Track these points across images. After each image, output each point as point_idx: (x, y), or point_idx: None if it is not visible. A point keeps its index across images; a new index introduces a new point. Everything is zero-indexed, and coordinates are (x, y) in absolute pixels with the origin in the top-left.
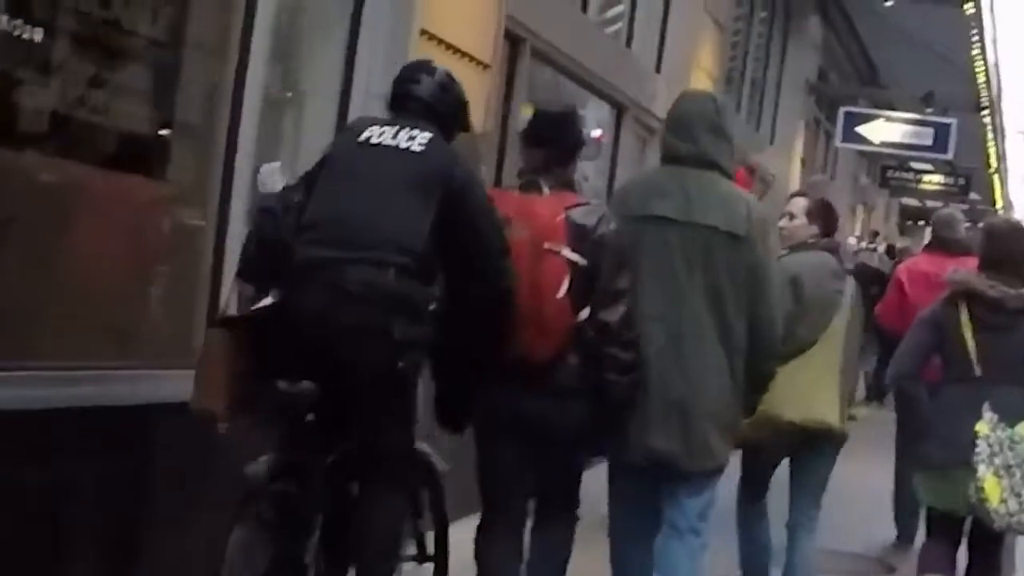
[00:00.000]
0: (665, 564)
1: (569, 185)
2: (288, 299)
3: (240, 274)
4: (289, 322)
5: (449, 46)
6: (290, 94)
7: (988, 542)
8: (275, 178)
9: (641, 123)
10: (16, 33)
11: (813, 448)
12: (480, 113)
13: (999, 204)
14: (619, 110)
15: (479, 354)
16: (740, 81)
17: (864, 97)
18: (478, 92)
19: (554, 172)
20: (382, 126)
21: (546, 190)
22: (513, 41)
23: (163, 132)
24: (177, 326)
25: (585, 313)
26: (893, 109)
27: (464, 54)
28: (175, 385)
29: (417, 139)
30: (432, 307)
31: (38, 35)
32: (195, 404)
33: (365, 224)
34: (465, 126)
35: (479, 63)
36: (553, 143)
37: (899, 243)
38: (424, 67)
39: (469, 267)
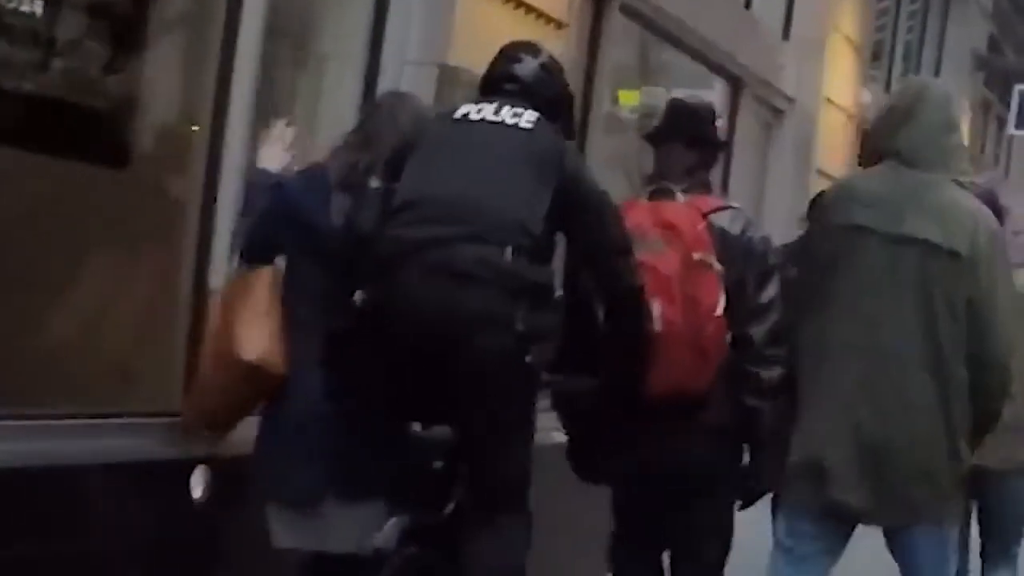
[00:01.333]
0: None
1: (706, 187)
2: (384, 293)
3: (247, 256)
4: (386, 325)
5: (510, 0)
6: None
7: None
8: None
9: (764, 102)
10: None
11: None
12: None
13: None
14: (736, 85)
15: (613, 378)
16: (890, 53)
17: None
18: None
19: (693, 175)
20: (479, 103)
21: (680, 196)
22: None
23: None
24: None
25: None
26: None
27: (531, 9)
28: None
29: (524, 116)
30: (558, 294)
31: None
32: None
33: (476, 200)
34: (569, 125)
35: (551, 20)
36: (694, 142)
37: None
38: (526, 46)
39: (586, 265)
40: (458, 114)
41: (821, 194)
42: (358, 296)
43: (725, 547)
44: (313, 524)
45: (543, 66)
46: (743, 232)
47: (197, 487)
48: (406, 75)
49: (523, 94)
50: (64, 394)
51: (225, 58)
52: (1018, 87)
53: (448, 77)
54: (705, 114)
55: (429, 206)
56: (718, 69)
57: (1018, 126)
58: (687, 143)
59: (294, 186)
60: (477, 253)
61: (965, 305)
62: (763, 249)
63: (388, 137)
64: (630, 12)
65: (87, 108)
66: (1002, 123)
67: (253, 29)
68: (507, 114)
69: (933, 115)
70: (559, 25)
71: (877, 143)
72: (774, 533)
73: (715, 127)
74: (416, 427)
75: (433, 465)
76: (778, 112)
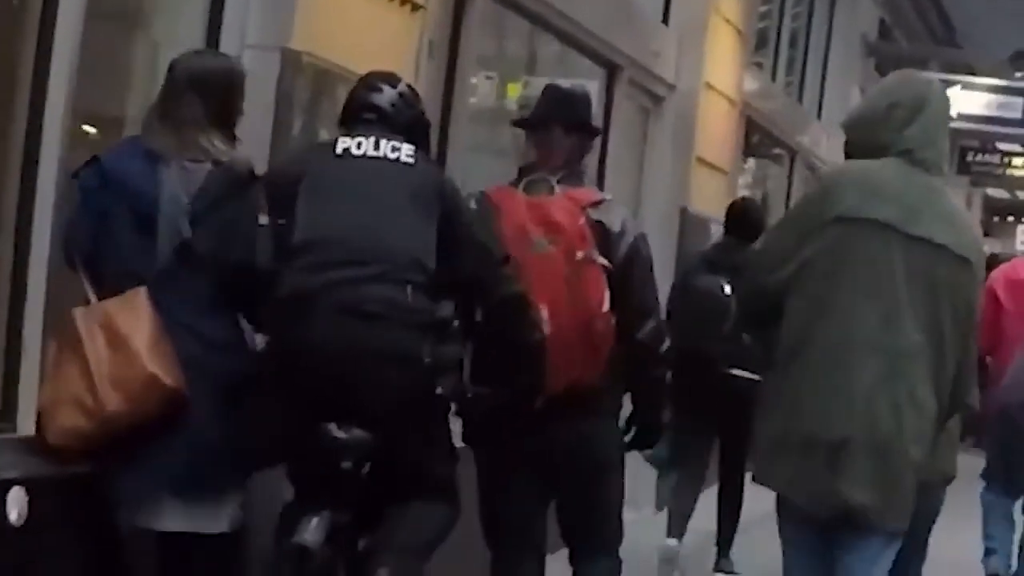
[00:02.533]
0: None
1: (580, 177)
2: (288, 336)
3: (74, 245)
4: (293, 364)
5: None
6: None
7: None
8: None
9: (643, 88)
10: None
11: None
12: (410, 72)
13: None
14: (612, 72)
15: (506, 383)
16: (776, 38)
17: (937, 59)
18: (406, 42)
19: (569, 164)
20: (354, 137)
21: (557, 188)
22: None
23: None
24: None
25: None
26: (973, 74)
27: None
28: None
29: (403, 150)
30: (456, 323)
31: None
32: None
33: (374, 240)
34: (426, 147)
35: (405, 2)
36: (571, 128)
37: (986, 245)
38: (384, 76)
39: (470, 283)
40: (339, 148)
41: (829, 181)
42: (260, 340)
43: (619, 522)
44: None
45: (401, 95)
46: (622, 230)
47: (13, 510)
48: (247, 60)
49: (382, 122)
50: None
51: (43, 47)
52: None
53: (292, 62)
54: (581, 99)
55: (330, 248)
56: (593, 55)
57: None
58: (564, 128)
59: (112, 157)
60: (382, 293)
61: (964, 307)
62: (647, 250)
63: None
64: None
65: None
66: None
67: (74, 11)
68: (387, 148)
69: (939, 116)
70: (414, 7)
71: (879, 137)
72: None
73: (590, 112)
74: (333, 428)
75: (342, 466)
76: (657, 99)
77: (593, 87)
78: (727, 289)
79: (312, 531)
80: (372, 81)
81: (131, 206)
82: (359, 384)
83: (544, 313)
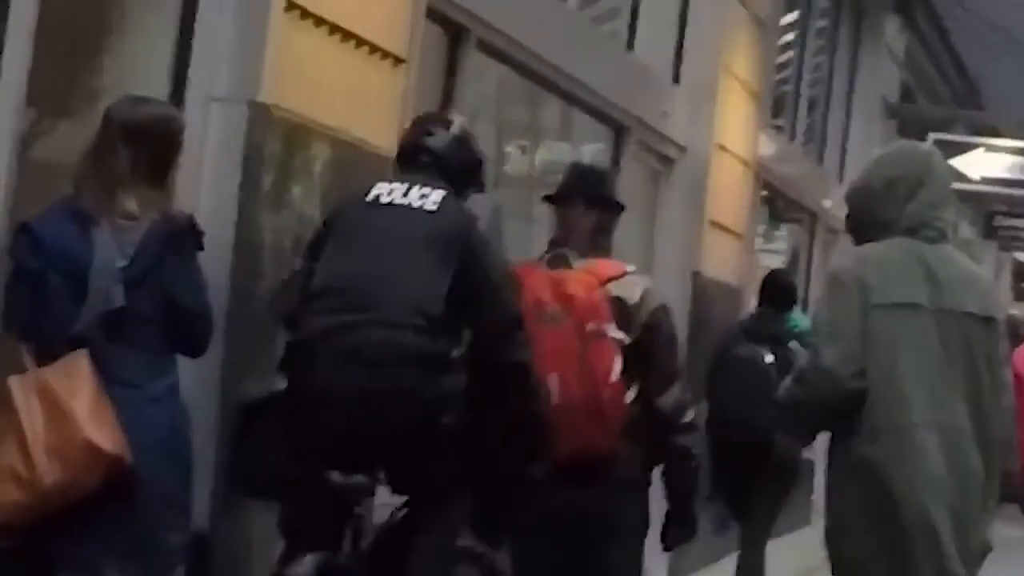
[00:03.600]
0: None
1: (606, 251)
2: (298, 377)
3: (15, 320)
4: (300, 406)
5: (336, 29)
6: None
7: None
8: None
9: (652, 150)
10: None
11: None
12: (392, 128)
13: None
14: (620, 132)
15: (512, 450)
16: (794, 99)
17: (960, 122)
18: (387, 97)
19: (593, 238)
20: (390, 183)
21: (576, 262)
22: (451, 30)
23: None
24: None
25: (632, 394)
26: (998, 136)
27: (363, 42)
28: None
29: (431, 197)
30: (456, 354)
31: None
32: None
33: (378, 286)
34: (480, 184)
35: (387, 55)
36: (593, 202)
37: (1015, 310)
38: (438, 118)
39: (482, 337)
40: (371, 196)
41: (844, 271)
42: (279, 379)
43: None
44: None
45: (456, 138)
46: (641, 302)
47: None
48: (213, 113)
49: (436, 166)
50: None
51: None
52: (932, 135)
53: (261, 115)
54: (602, 174)
55: (336, 295)
56: (599, 116)
57: None
58: (587, 203)
59: (43, 222)
60: (381, 337)
61: (996, 367)
62: (669, 321)
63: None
64: (490, 50)
65: None
66: None
67: (19, 64)
68: (415, 196)
69: (940, 188)
70: (397, 61)
71: (881, 214)
72: None
73: (612, 187)
74: (336, 475)
75: (355, 511)
76: (667, 160)
77: (598, 150)
78: (768, 358)
79: (306, 566)
80: (426, 124)
81: (66, 271)
82: (362, 424)
83: (554, 383)
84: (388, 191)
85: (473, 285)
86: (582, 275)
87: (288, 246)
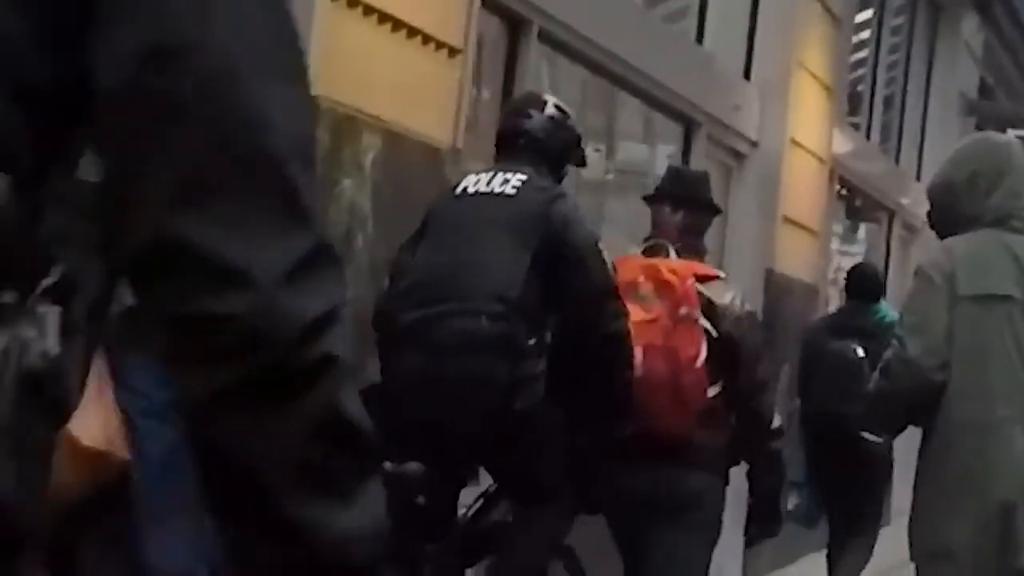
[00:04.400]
0: None
1: (698, 253)
2: (384, 369)
3: None
4: (389, 395)
5: (386, 18)
6: None
7: None
8: None
9: (723, 145)
10: None
11: None
12: (449, 121)
13: None
14: (689, 127)
15: (600, 416)
16: (869, 96)
17: None
18: (442, 88)
19: (684, 239)
20: (478, 174)
21: (673, 254)
22: (512, 21)
23: None
24: None
25: (715, 389)
26: None
27: (415, 31)
28: None
29: (511, 182)
30: (533, 341)
31: None
32: None
33: (455, 277)
34: (581, 160)
35: (441, 45)
36: (681, 203)
37: None
38: (533, 100)
39: (573, 311)
40: (459, 188)
41: (931, 263)
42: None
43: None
44: None
45: (551, 119)
46: (729, 307)
47: None
48: None
49: (534, 148)
50: None
51: None
52: (1012, 132)
53: None
54: (693, 176)
55: (421, 290)
56: (669, 111)
57: None
58: (673, 205)
59: None
60: (454, 326)
61: None
62: (754, 329)
63: None
64: (553, 42)
65: None
66: None
67: None
68: (497, 182)
69: (1022, 176)
70: (452, 51)
71: (966, 208)
72: None
73: (703, 189)
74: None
75: (416, 500)
76: (739, 156)
77: (668, 147)
78: (859, 352)
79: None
80: (521, 108)
81: None
82: (445, 412)
83: (639, 357)
84: (475, 182)
85: (558, 257)
86: (677, 263)
87: (338, 239)
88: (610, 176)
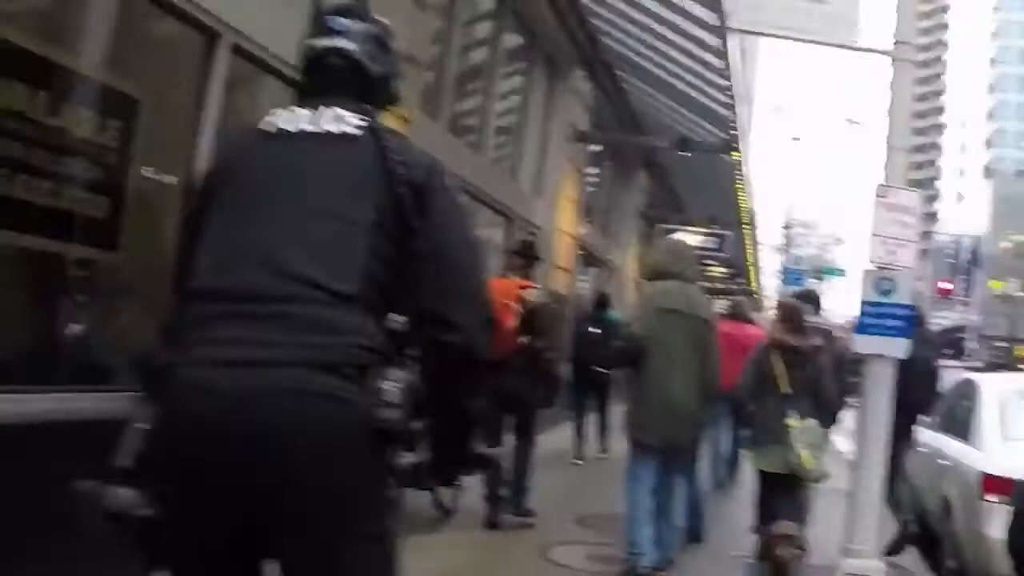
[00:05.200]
0: None
1: (531, 278)
2: (164, 412)
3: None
4: (165, 449)
5: None
6: None
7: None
8: None
9: (523, 228)
10: None
11: None
12: None
13: (755, 287)
14: (509, 219)
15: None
16: (598, 209)
17: (674, 219)
18: None
19: (526, 271)
20: (290, 107)
21: (516, 278)
22: None
23: None
24: None
25: (524, 340)
26: (692, 225)
27: None
28: None
29: (346, 118)
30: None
31: None
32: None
33: (263, 266)
34: (396, 98)
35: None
36: (526, 257)
37: None
38: (351, 9)
39: (427, 304)
40: (271, 126)
41: (598, 292)
42: (145, 414)
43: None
44: None
45: (374, 36)
46: (531, 299)
47: None
48: None
49: (351, 71)
50: None
51: None
52: (658, 226)
53: None
54: (533, 245)
55: (210, 278)
56: (500, 211)
57: None
58: (520, 257)
59: None
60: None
61: None
62: (548, 316)
63: None
64: None
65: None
66: None
67: None
68: (327, 117)
69: (689, 257)
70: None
71: (664, 270)
72: None
73: (537, 251)
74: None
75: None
76: (532, 234)
77: (497, 232)
78: (598, 331)
79: None
80: (328, 19)
81: None
82: (251, 428)
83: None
84: (287, 117)
85: (417, 233)
86: (519, 281)
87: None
88: None
